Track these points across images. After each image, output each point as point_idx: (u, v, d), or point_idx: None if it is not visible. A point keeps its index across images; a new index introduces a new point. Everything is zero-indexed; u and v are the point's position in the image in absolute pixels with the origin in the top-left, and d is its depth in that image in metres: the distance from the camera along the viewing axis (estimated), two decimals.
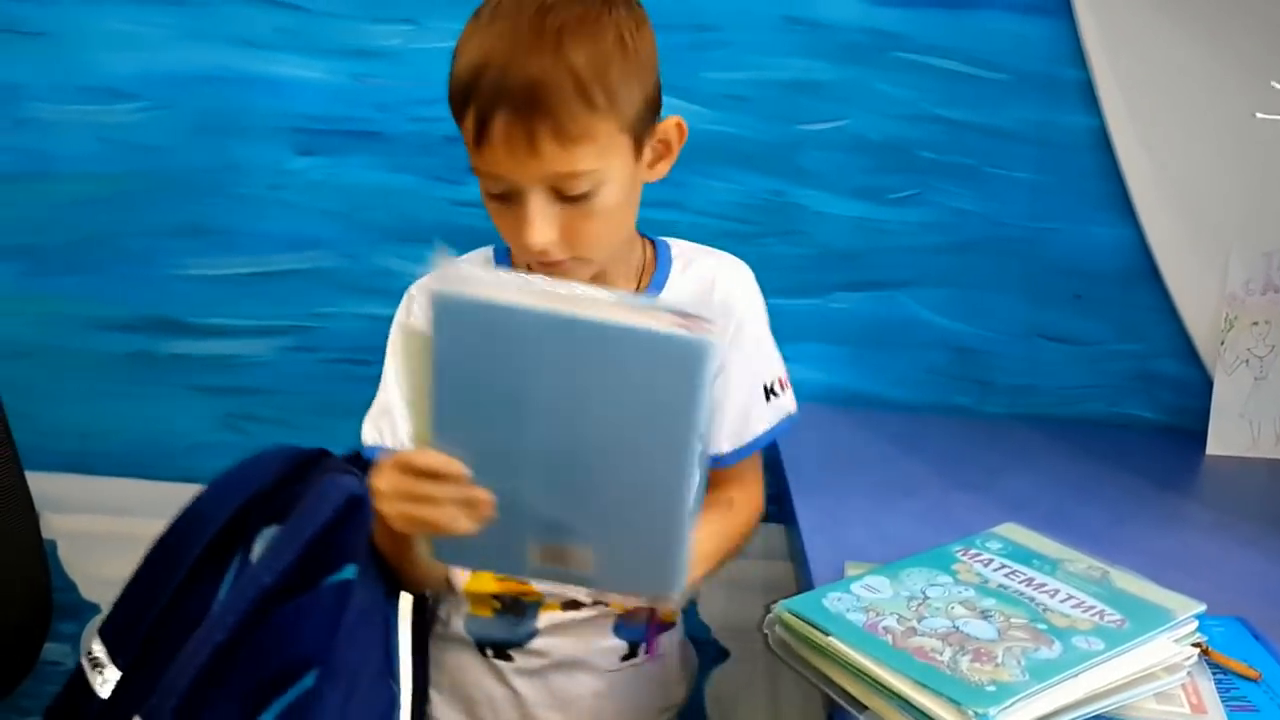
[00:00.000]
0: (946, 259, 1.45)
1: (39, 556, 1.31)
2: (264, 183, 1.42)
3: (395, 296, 1.33)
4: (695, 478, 0.79)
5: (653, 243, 1.08)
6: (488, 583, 1.04)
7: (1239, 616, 0.94)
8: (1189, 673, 0.83)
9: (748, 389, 1.06)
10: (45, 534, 1.49)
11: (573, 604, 1.04)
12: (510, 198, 0.91)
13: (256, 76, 1.39)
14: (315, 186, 1.42)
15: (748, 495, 1.10)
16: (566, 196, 0.90)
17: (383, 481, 0.82)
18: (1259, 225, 1.40)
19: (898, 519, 1.14)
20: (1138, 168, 1.39)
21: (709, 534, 0.95)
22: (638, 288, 1.03)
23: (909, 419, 1.45)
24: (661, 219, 1.41)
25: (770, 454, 1.36)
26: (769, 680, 1.55)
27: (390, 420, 1.02)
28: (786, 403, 1.10)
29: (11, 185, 1.42)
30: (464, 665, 1.06)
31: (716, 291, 1.04)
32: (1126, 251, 1.43)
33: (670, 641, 1.14)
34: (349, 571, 0.84)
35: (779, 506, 1.34)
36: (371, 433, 1.02)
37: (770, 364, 1.09)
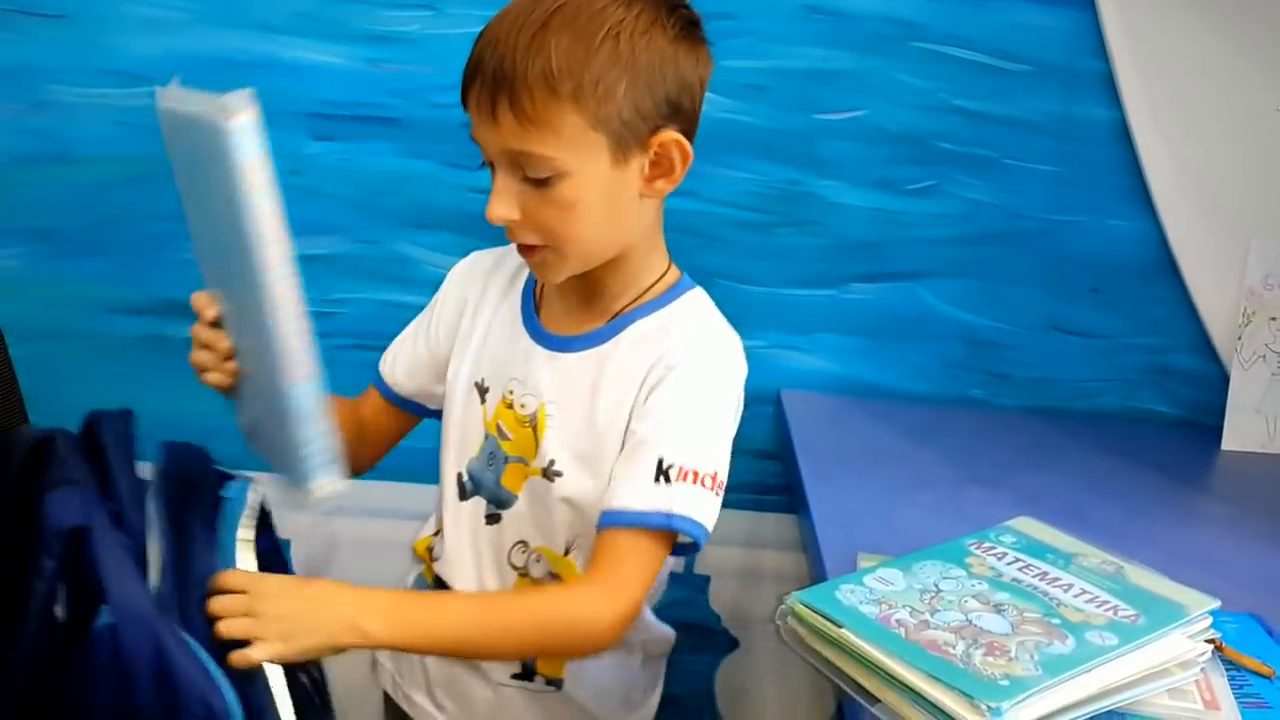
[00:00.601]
0: (963, 251, 1.44)
1: None
2: (281, 168, 1.40)
3: (411, 282, 1.34)
4: (293, 319, 0.82)
5: (680, 277, 1.01)
6: (421, 546, 1.06)
7: (1253, 613, 0.94)
8: (1202, 669, 0.82)
9: (638, 451, 0.92)
10: None
11: None
12: (490, 171, 0.93)
13: (274, 61, 1.39)
14: (332, 172, 1.42)
15: (579, 586, 0.93)
16: (529, 178, 0.90)
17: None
18: (1279, 220, 1.39)
19: (911, 511, 1.14)
20: (1157, 161, 1.38)
21: (457, 605, 0.90)
22: (624, 307, 0.98)
23: (923, 411, 1.45)
24: (678, 208, 1.41)
25: (783, 443, 1.37)
26: (779, 670, 1.56)
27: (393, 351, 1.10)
28: (678, 501, 0.90)
29: (31, 168, 1.43)
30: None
31: (663, 345, 0.94)
32: (1144, 245, 1.42)
33: (594, 678, 1.02)
34: (105, 614, 0.75)
35: (790, 497, 1.34)
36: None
37: (678, 446, 0.91)
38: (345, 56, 1.40)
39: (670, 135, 0.91)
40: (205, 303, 0.96)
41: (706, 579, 1.53)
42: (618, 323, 0.97)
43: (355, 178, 1.43)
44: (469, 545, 1.02)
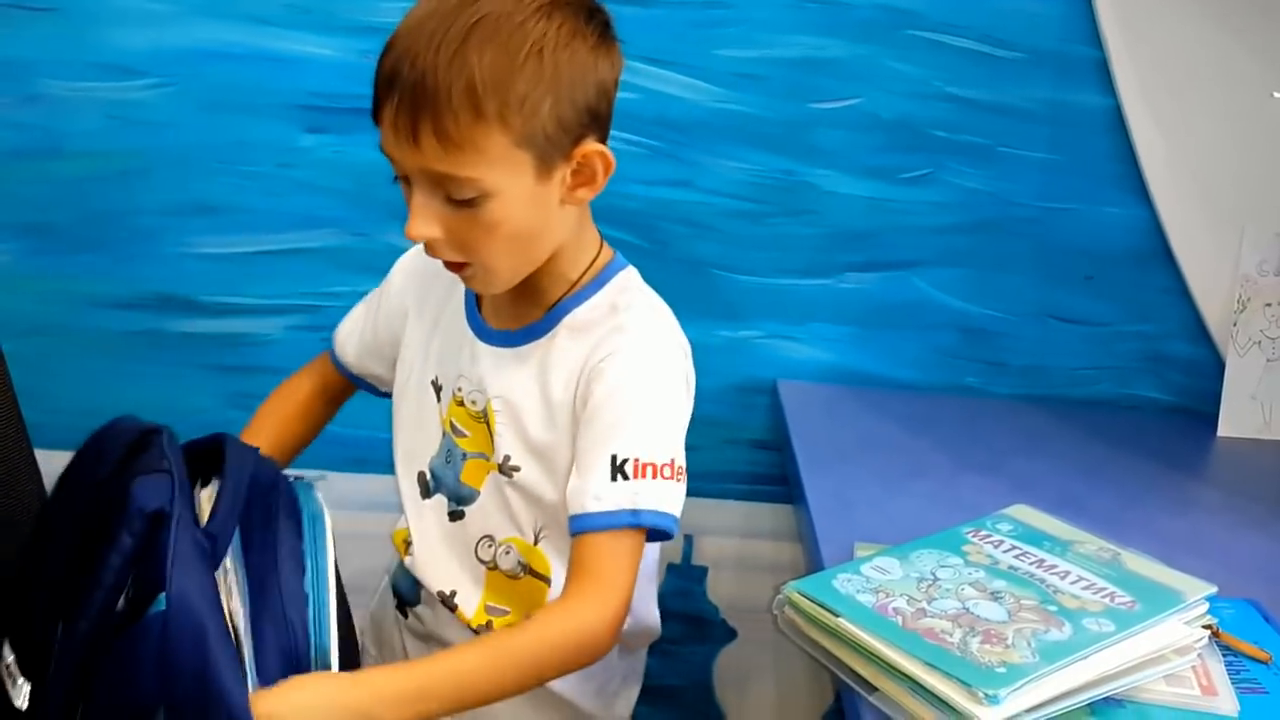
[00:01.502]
0: (958, 239, 1.44)
1: None
2: (273, 160, 1.42)
3: None
4: None
5: (612, 257, 1.00)
6: (399, 537, 1.07)
7: (1250, 599, 0.94)
8: (1199, 655, 0.82)
9: (590, 451, 0.92)
10: None
11: (439, 598, 1.02)
12: (404, 187, 0.90)
13: (266, 53, 1.38)
14: (325, 164, 1.42)
15: (568, 604, 0.90)
16: (452, 199, 0.87)
17: None
18: (1273, 206, 1.39)
19: (907, 500, 1.14)
20: (1151, 148, 1.38)
21: (465, 663, 0.86)
22: (558, 298, 0.97)
23: (919, 399, 1.45)
24: (673, 198, 1.41)
25: (779, 434, 1.37)
26: (777, 660, 1.56)
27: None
28: (641, 496, 0.90)
29: (21, 162, 1.42)
30: (385, 610, 1.11)
31: (595, 350, 0.94)
32: (1139, 232, 1.42)
33: (577, 678, 0.99)
34: (160, 602, 0.76)
35: (787, 486, 1.34)
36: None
37: (629, 440, 0.91)
38: (337, 48, 1.39)
39: (593, 146, 0.90)
40: None
41: (704, 570, 1.53)
42: (553, 315, 0.97)
43: (348, 170, 1.42)
44: (435, 543, 1.02)
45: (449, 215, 0.88)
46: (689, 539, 1.52)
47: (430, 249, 0.91)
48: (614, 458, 0.90)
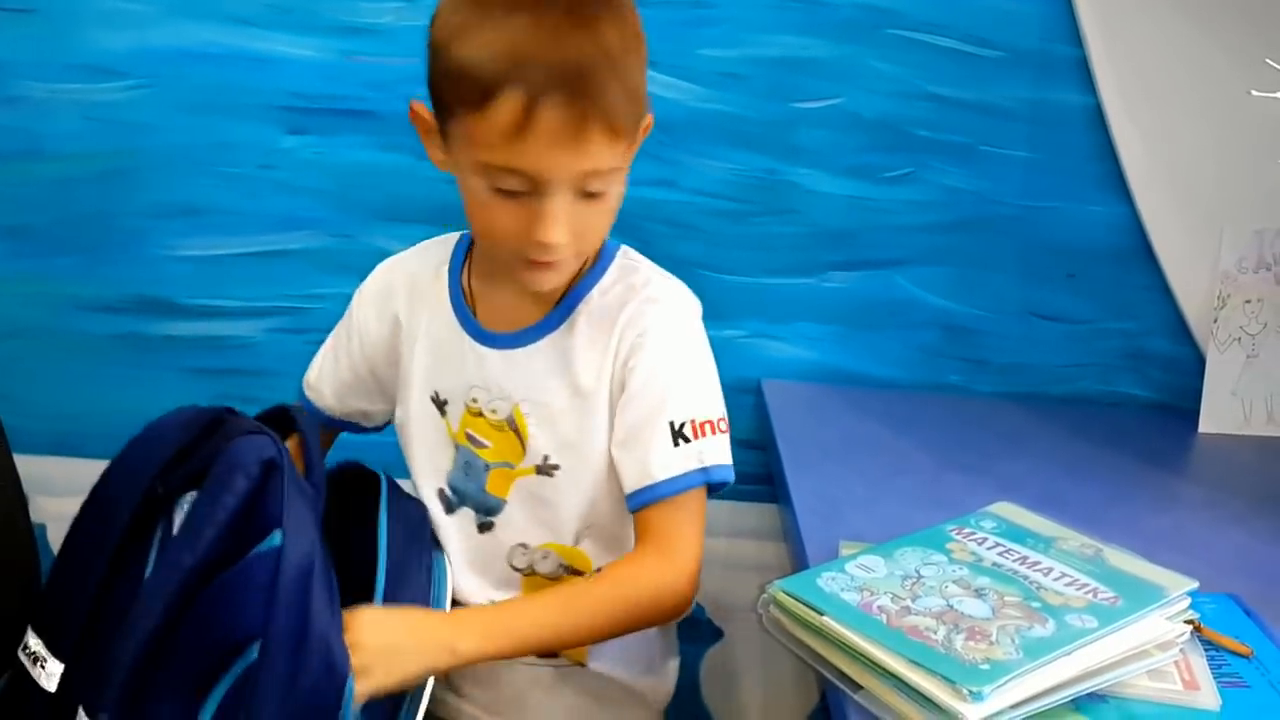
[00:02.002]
0: (940, 238, 1.44)
1: (28, 540, 1.30)
2: (254, 162, 1.42)
3: None
4: None
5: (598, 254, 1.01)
6: None
7: (1231, 593, 0.95)
8: (1182, 649, 0.83)
9: (646, 424, 0.94)
10: (35, 517, 1.47)
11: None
12: (523, 195, 0.85)
13: (247, 54, 1.38)
14: (306, 166, 1.41)
15: (644, 560, 0.93)
16: (587, 193, 0.86)
17: None
18: (1252, 203, 1.40)
19: (891, 498, 1.14)
20: (1132, 146, 1.39)
21: (543, 607, 0.91)
22: (565, 290, 0.96)
23: (902, 398, 1.45)
24: (655, 197, 1.41)
25: (764, 433, 1.37)
26: (763, 659, 1.56)
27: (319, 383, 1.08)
28: (706, 454, 0.94)
29: None
30: None
31: (618, 322, 0.94)
32: (1120, 230, 1.43)
33: (616, 649, 1.02)
34: (275, 538, 0.80)
35: (772, 486, 1.34)
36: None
37: (682, 404, 0.94)
38: (318, 49, 1.38)
39: (649, 119, 0.91)
40: None
41: None
42: (566, 305, 0.96)
43: (330, 171, 1.42)
44: (465, 558, 1.01)
45: (577, 212, 0.86)
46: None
47: (552, 253, 0.88)
48: (672, 424, 0.93)
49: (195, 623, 0.80)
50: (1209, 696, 0.80)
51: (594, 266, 0.97)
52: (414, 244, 1.07)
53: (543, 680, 1.02)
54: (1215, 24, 1.36)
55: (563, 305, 0.96)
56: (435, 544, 0.98)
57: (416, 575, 0.91)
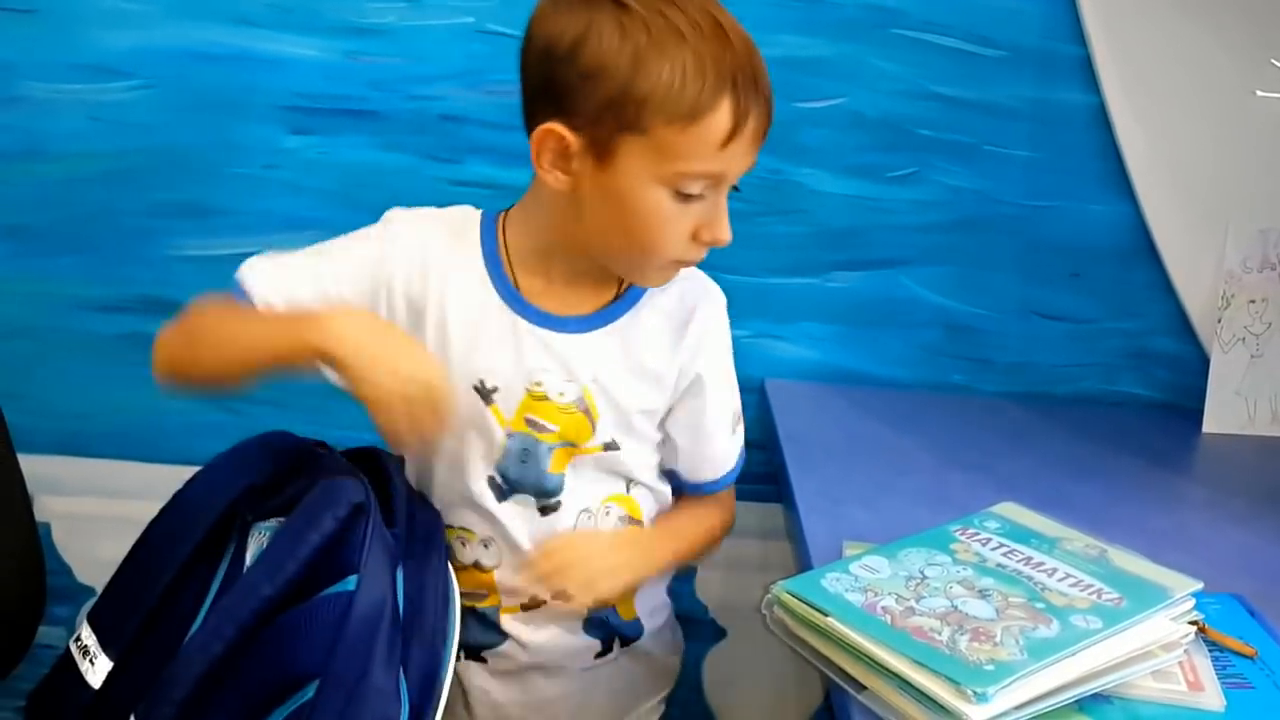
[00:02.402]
0: (943, 237, 1.44)
1: (33, 539, 1.31)
2: (258, 162, 1.42)
3: None
4: None
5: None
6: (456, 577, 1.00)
7: (1235, 594, 0.95)
8: (1186, 650, 0.83)
9: (722, 422, 1.07)
10: (40, 516, 1.48)
11: (531, 604, 1.02)
12: (696, 198, 0.92)
13: (251, 54, 1.38)
14: (310, 165, 1.41)
15: (726, 508, 1.14)
16: (732, 189, 0.95)
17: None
18: (1256, 203, 1.40)
19: (895, 498, 1.14)
20: (1135, 145, 1.39)
21: (663, 536, 1.05)
22: (619, 289, 1.01)
23: (905, 397, 1.45)
24: None
25: (768, 433, 1.37)
26: (766, 659, 1.56)
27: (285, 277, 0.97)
28: (741, 441, 1.11)
29: (3, 165, 1.41)
30: None
31: (694, 320, 1.02)
32: (1124, 229, 1.43)
33: (652, 633, 1.11)
34: (350, 583, 0.82)
35: (775, 486, 1.34)
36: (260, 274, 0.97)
37: (736, 394, 1.09)
38: (322, 49, 1.39)
39: None
40: None
41: (692, 570, 1.53)
42: (633, 292, 1.01)
43: (334, 171, 1.42)
44: (531, 539, 1.00)
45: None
46: None
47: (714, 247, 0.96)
48: (734, 414, 1.09)
49: (260, 652, 0.81)
50: (1213, 697, 0.80)
51: None
52: None
53: (600, 676, 1.06)
54: (1219, 23, 1.36)
55: (630, 292, 1.01)
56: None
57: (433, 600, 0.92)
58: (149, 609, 0.90)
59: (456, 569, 0.98)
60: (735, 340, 1.10)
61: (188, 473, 0.98)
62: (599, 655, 1.05)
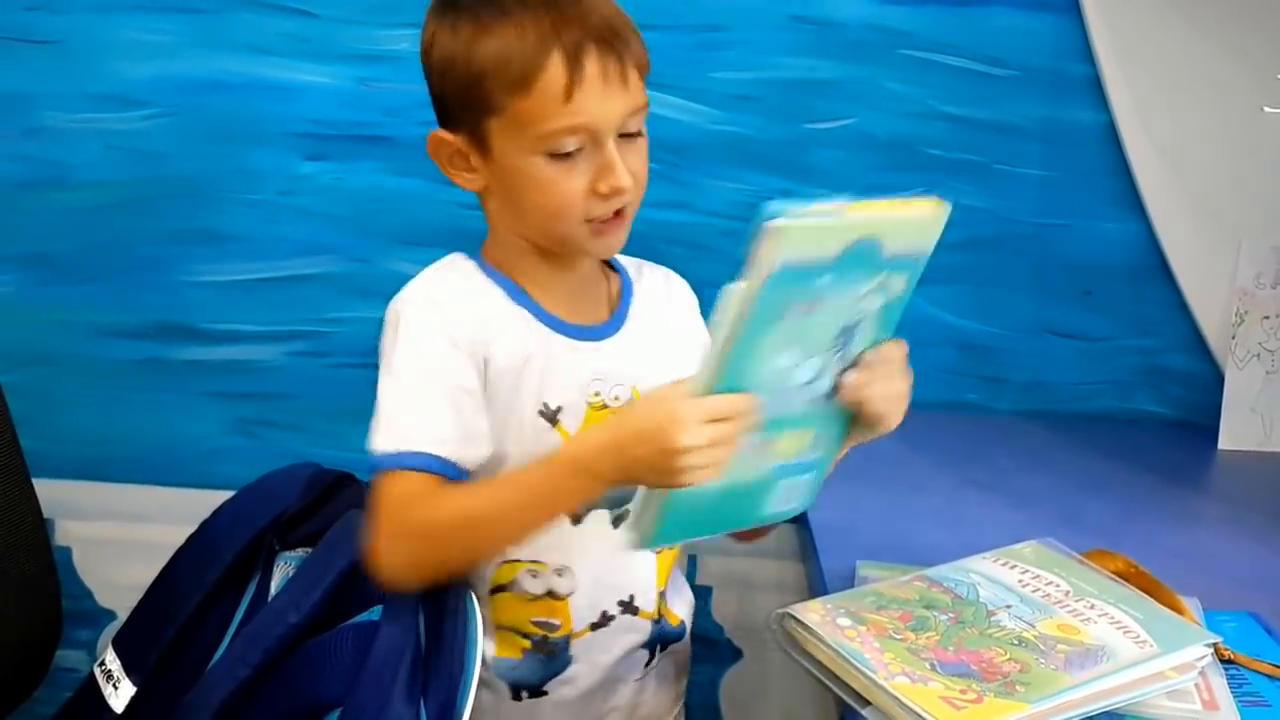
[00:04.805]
0: (955, 256, 1.44)
1: (48, 563, 1.32)
2: (274, 188, 1.43)
3: None
4: None
5: (610, 265, 1.05)
6: (517, 613, 0.97)
7: (1251, 611, 0.94)
8: (1201, 671, 0.82)
9: None
10: (60, 540, 1.50)
11: (600, 621, 0.99)
12: (577, 153, 0.90)
13: (265, 83, 1.39)
14: (324, 191, 1.43)
15: None
16: (627, 134, 0.91)
17: (695, 438, 0.76)
18: (1269, 219, 1.40)
19: (909, 517, 1.14)
20: (1147, 163, 1.39)
21: None
22: (610, 290, 1.02)
23: (918, 416, 1.42)
24: (671, 219, 1.42)
25: None
26: (782, 680, 1.55)
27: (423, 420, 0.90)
28: None
29: (23, 193, 1.43)
30: (490, 709, 0.97)
31: (672, 301, 1.04)
32: (1136, 247, 1.43)
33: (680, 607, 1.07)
34: (375, 613, 0.83)
35: None
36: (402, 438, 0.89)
37: None
38: (335, 76, 1.40)
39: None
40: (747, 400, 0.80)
41: (709, 590, 1.53)
42: (625, 288, 1.01)
43: (347, 197, 1.43)
44: (605, 562, 0.97)
45: (626, 155, 0.91)
46: (692, 559, 1.52)
47: (621, 199, 0.92)
48: None
49: (283, 680, 0.82)
50: (1229, 716, 0.79)
51: (617, 270, 1.03)
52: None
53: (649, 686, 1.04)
54: (1228, 40, 1.36)
55: (625, 290, 1.02)
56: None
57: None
58: (173, 635, 0.90)
59: (526, 602, 0.96)
60: None
61: (206, 496, 0.99)
62: (647, 664, 1.04)
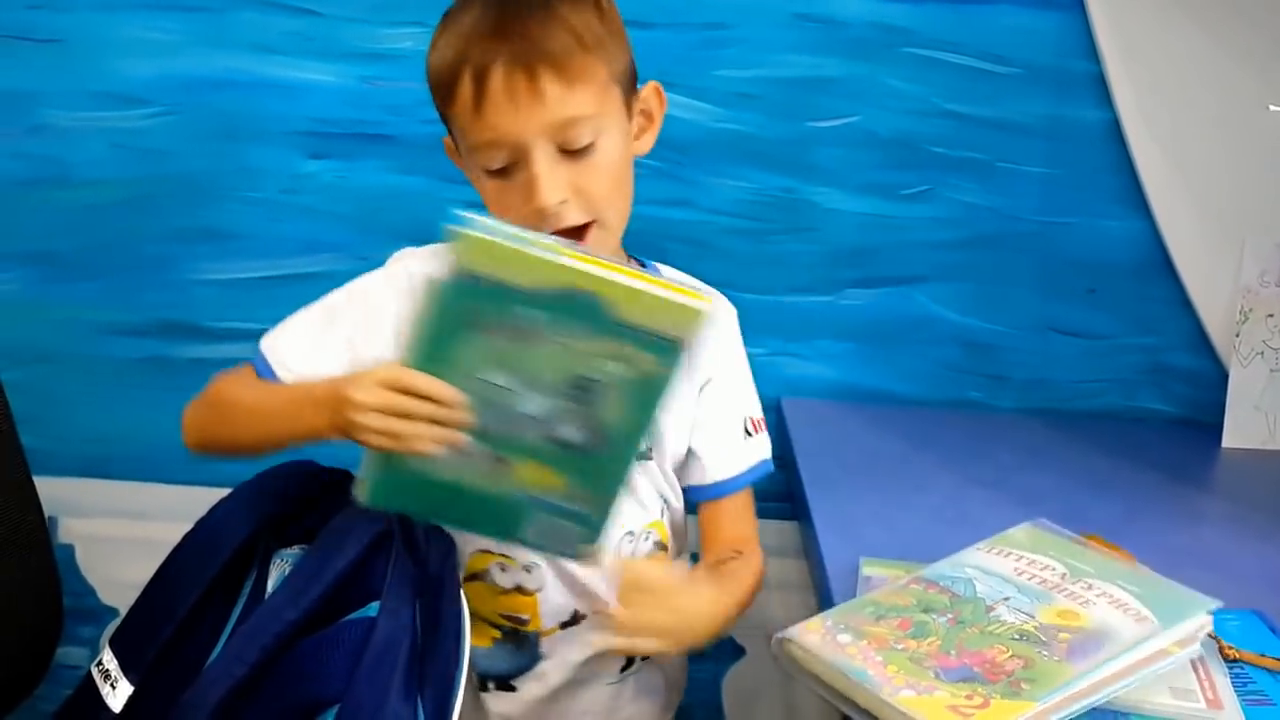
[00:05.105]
0: (958, 254, 1.44)
1: (49, 561, 1.32)
2: (277, 186, 1.43)
3: None
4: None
5: (641, 263, 1.07)
6: (488, 603, 0.99)
7: (1256, 610, 0.94)
8: (1207, 668, 0.82)
9: (731, 422, 1.05)
10: (63, 539, 1.50)
11: (571, 620, 1.01)
12: (512, 168, 0.90)
13: (269, 81, 1.39)
14: (328, 190, 1.43)
15: (750, 549, 1.05)
16: (570, 150, 0.89)
17: (365, 395, 0.80)
18: (1273, 217, 1.39)
19: (912, 515, 1.14)
20: (1150, 160, 1.39)
21: (725, 592, 0.96)
22: None
23: (922, 415, 1.45)
24: (674, 217, 1.42)
25: (784, 451, 1.37)
26: (785, 677, 1.55)
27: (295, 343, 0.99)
28: (761, 448, 1.07)
29: (26, 191, 1.43)
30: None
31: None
32: (1140, 245, 1.43)
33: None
34: (372, 609, 0.83)
35: (792, 504, 1.34)
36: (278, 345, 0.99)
37: (749, 403, 1.08)
38: (339, 74, 1.40)
39: (650, 85, 0.95)
40: (441, 386, 0.82)
41: None
42: None
43: (351, 195, 1.43)
44: (581, 572, 0.99)
45: (570, 171, 0.89)
46: (695, 557, 1.51)
47: (558, 217, 0.90)
48: (745, 420, 1.05)
49: (281, 677, 0.82)
50: (1233, 715, 0.79)
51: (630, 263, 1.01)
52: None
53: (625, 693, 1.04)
54: (1233, 38, 1.36)
55: None
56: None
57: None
58: (170, 634, 0.90)
59: (496, 594, 0.98)
60: (751, 358, 1.11)
61: (208, 494, 0.99)
62: (624, 669, 1.05)
